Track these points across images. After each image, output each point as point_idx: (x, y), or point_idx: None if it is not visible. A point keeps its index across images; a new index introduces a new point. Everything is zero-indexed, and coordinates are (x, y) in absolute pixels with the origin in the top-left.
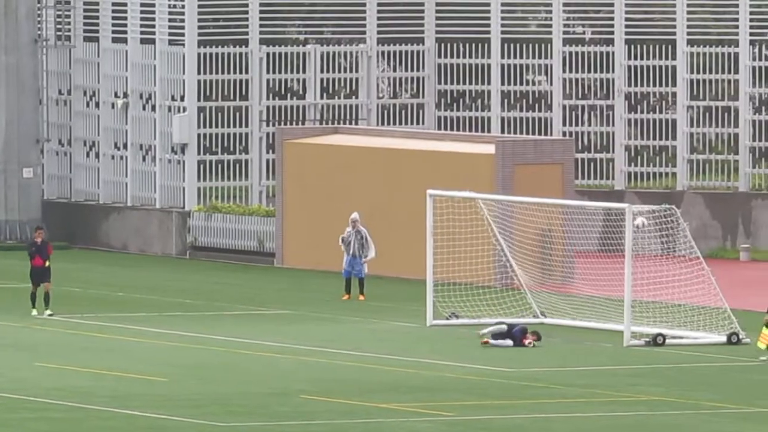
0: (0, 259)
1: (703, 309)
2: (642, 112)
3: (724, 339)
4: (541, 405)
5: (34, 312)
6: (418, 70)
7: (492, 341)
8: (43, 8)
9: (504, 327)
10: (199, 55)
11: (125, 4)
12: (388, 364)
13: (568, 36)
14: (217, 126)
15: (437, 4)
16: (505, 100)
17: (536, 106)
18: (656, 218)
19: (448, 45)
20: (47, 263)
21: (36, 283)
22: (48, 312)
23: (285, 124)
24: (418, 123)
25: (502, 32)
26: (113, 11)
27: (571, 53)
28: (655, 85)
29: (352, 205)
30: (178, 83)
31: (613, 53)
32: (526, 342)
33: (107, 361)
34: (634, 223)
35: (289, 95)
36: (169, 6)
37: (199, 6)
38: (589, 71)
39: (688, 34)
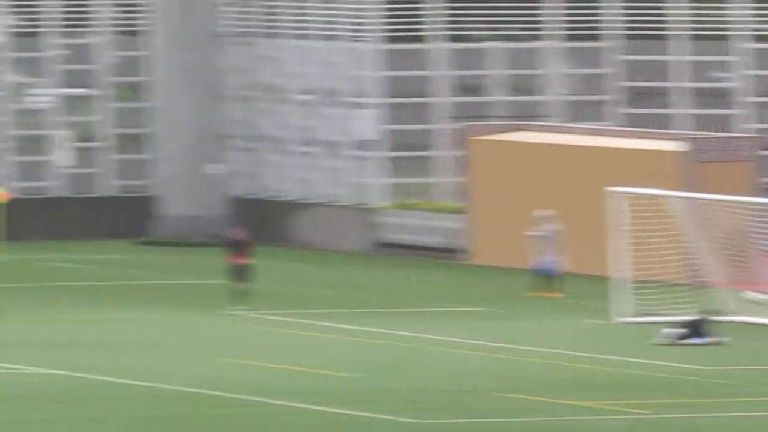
0: (189, 256)
1: None
2: None
3: None
4: (742, 404)
5: (238, 312)
6: (601, 66)
7: (688, 341)
8: (225, 4)
9: (681, 331)
10: (384, 51)
11: (306, 0)
12: (578, 361)
13: (757, 33)
14: (403, 122)
15: (624, 0)
16: (690, 97)
17: (722, 102)
18: None
19: (632, 42)
20: (247, 260)
21: (235, 280)
22: (242, 309)
23: (471, 120)
24: (602, 120)
25: (686, 29)
26: (295, 7)
27: (759, 50)
28: None
29: (539, 202)
30: (365, 80)
31: None
32: (716, 340)
33: (295, 357)
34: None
35: (474, 92)
36: (351, 3)
37: (382, 2)
38: None
39: None
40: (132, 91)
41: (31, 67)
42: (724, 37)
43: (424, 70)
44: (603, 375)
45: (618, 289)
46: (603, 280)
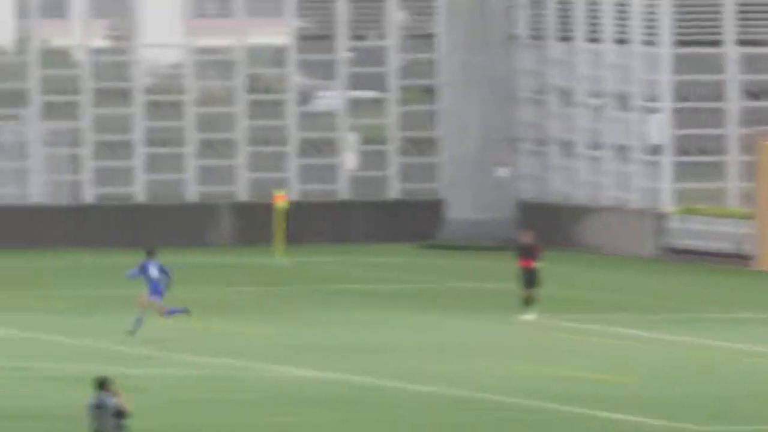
0: (475, 259)
1: None
2: None
3: None
4: None
5: (527, 317)
6: None
7: None
8: (517, 7)
9: None
10: (674, 55)
11: (600, 4)
12: None
13: None
14: (693, 127)
15: None
16: None
17: None
18: None
19: None
20: (535, 265)
21: (523, 285)
22: (530, 313)
23: (762, 125)
24: None
25: None
26: (588, 11)
27: None
28: None
29: None
30: (654, 84)
31: None
32: None
33: (578, 362)
34: None
35: (765, 97)
36: (645, 6)
37: (675, 6)
38: None
39: None
40: (422, 93)
41: (319, 69)
42: None
43: (716, 74)
44: None
45: None
46: None
